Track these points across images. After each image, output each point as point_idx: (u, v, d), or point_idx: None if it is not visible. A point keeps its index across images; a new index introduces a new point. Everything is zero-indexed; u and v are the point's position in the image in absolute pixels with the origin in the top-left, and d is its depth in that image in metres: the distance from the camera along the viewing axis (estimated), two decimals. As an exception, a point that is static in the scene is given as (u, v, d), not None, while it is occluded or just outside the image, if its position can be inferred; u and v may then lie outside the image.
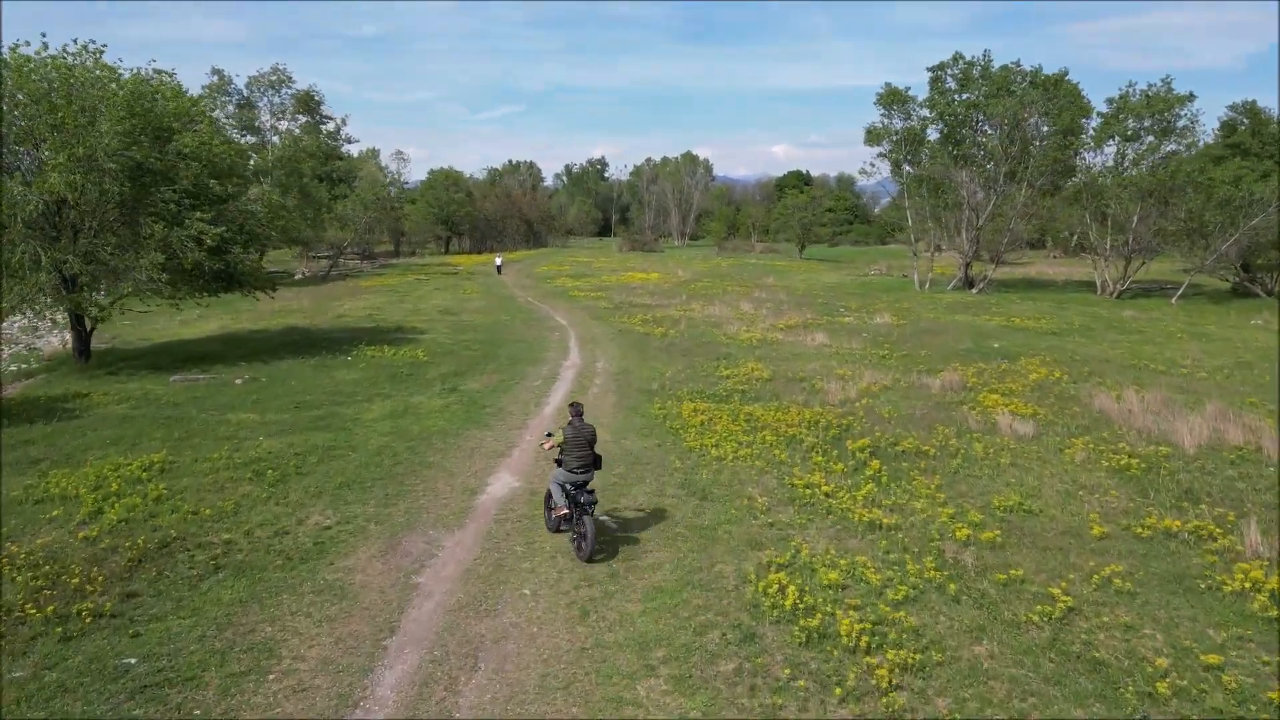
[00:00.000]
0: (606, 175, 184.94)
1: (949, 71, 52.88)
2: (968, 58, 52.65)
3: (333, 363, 23.26)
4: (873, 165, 58.98)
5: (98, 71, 20.82)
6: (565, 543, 10.43)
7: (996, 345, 27.75)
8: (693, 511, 11.74)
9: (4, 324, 19.83)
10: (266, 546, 10.20)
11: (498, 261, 59.00)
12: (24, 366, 23.99)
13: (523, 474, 13.32)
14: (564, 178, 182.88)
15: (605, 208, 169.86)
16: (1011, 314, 37.20)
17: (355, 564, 9.83)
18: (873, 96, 54.34)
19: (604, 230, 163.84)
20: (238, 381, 20.48)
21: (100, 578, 9.12)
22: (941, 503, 12.16)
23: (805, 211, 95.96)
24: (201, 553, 9.98)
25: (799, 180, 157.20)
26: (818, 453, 14.65)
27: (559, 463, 10.05)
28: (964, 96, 52.00)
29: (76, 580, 9.00)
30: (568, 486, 9.93)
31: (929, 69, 53.21)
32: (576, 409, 10.30)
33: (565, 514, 9.92)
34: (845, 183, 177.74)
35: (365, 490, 12.36)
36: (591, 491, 9.96)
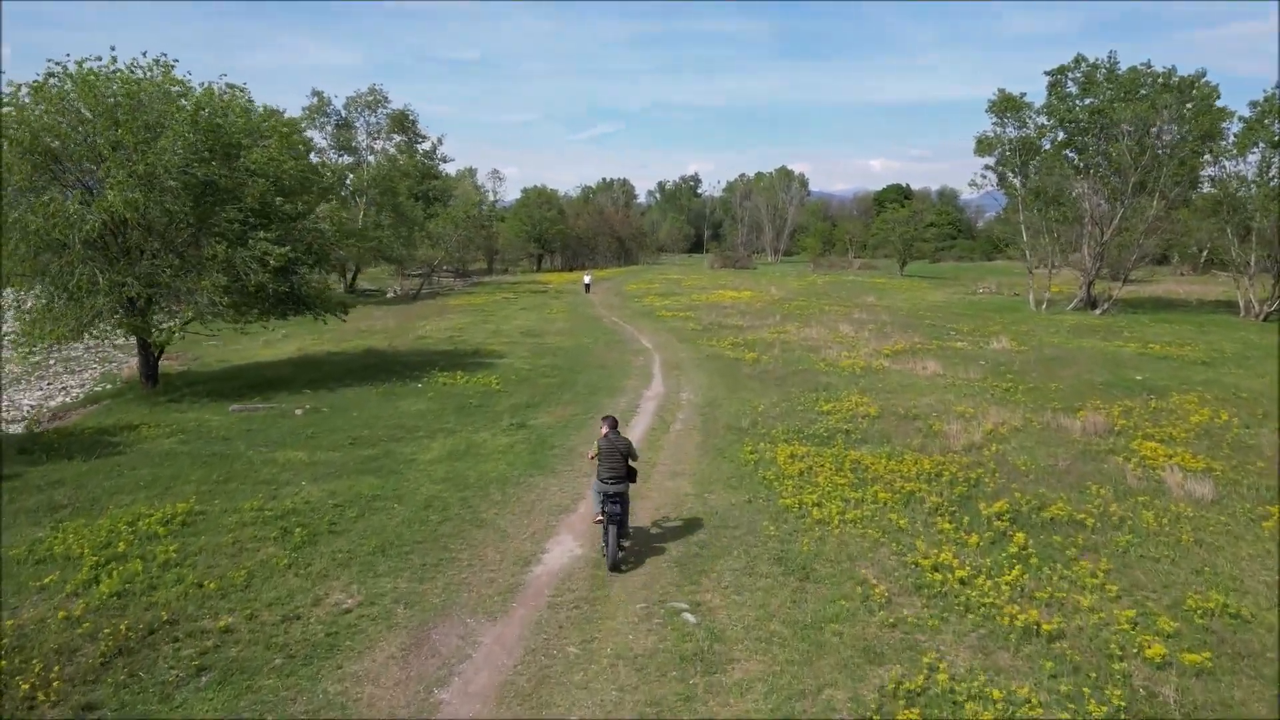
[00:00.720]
0: (699, 191, 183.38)
1: (1070, 75, 48.83)
2: (1090, 60, 48.52)
3: (401, 390, 21.82)
4: (983, 176, 55.14)
5: (168, 86, 20.01)
6: (627, 643, 8.33)
7: (1139, 377, 24.29)
8: (791, 598, 9.42)
9: (67, 348, 18.96)
10: (268, 638, 8.39)
11: (586, 280, 57.60)
12: (96, 389, 23.44)
13: (586, 536, 11.24)
14: (657, 194, 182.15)
15: (698, 224, 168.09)
16: (1147, 339, 33.26)
17: (368, 668, 7.91)
18: (979, 106, 50.70)
19: (696, 247, 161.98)
20: (298, 412, 19.17)
21: (59, 680, 7.45)
22: (1114, 597, 9.48)
23: (906, 226, 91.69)
24: (191, 644, 8.25)
25: (899, 194, 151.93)
26: (943, 517, 12.09)
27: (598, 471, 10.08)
28: (1087, 101, 47.79)
29: (29, 684, 7.34)
30: (600, 495, 9.98)
31: (1047, 72, 49.29)
32: (610, 421, 10.52)
33: (600, 520, 10.01)
34: (948, 196, 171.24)
35: (402, 557, 10.49)
36: (617, 501, 9.89)
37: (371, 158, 70.10)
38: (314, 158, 65.84)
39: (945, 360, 27.33)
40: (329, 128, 68.65)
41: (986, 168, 53.40)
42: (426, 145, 72.88)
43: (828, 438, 17.04)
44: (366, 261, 71.59)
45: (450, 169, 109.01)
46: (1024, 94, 50.39)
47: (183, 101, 19.98)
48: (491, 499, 12.94)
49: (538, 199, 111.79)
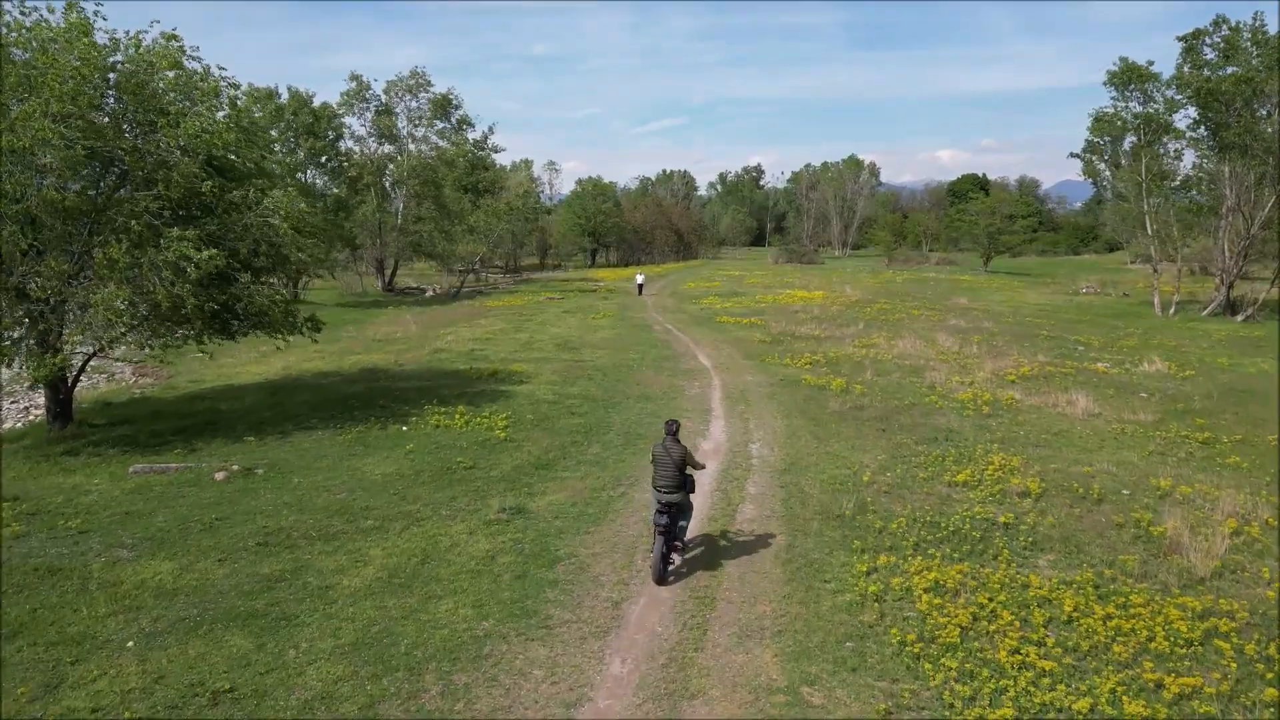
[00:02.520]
0: (762, 183, 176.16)
1: (1207, 40, 41.21)
2: (1233, 22, 40.87)
3: (377, 438, 16.39)
4: (1092, 159, 47.80)
5: (43, 33, 14.75)
6: None
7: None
8: None
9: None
10: None
11: (639, 280, 51.77)
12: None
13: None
14: (717, 186, 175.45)
15: (760, 217, 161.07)
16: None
17: None
18: (1056, 96, 43.78)
19: (758, 240, 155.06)
20: (219, 475, 13.84)
21: None
22: None
23: (991, 218, 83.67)
24: None
25: (975, 184, 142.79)
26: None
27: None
28: (1229, 70, 40.14)
29: None
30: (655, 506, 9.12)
31: (1180, 38, 41.72)
32: (671, 427, 9.53)
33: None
34: (1028, 186, 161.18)
35: None
36: (666, 512, 9.01)
37: (413, 146, 65.38)
38: (353, 146, 61.83)
39: (1093, 391, 20.90)
40: (368, 114, 63.97)
41: (1086, 151, 46.24)
42: (476, 134, 67.76)
43: (981, 541, 11.02)
44: (405, 257, 67.14)
45: (503, 159, 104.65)
46: (1151, 63, 42.89)
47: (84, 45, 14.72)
48: (422, 707, 7.27)
49: (593, 191, 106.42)
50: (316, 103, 53.40)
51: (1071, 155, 46.57)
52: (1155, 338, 32.22)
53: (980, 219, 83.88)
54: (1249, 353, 28.28)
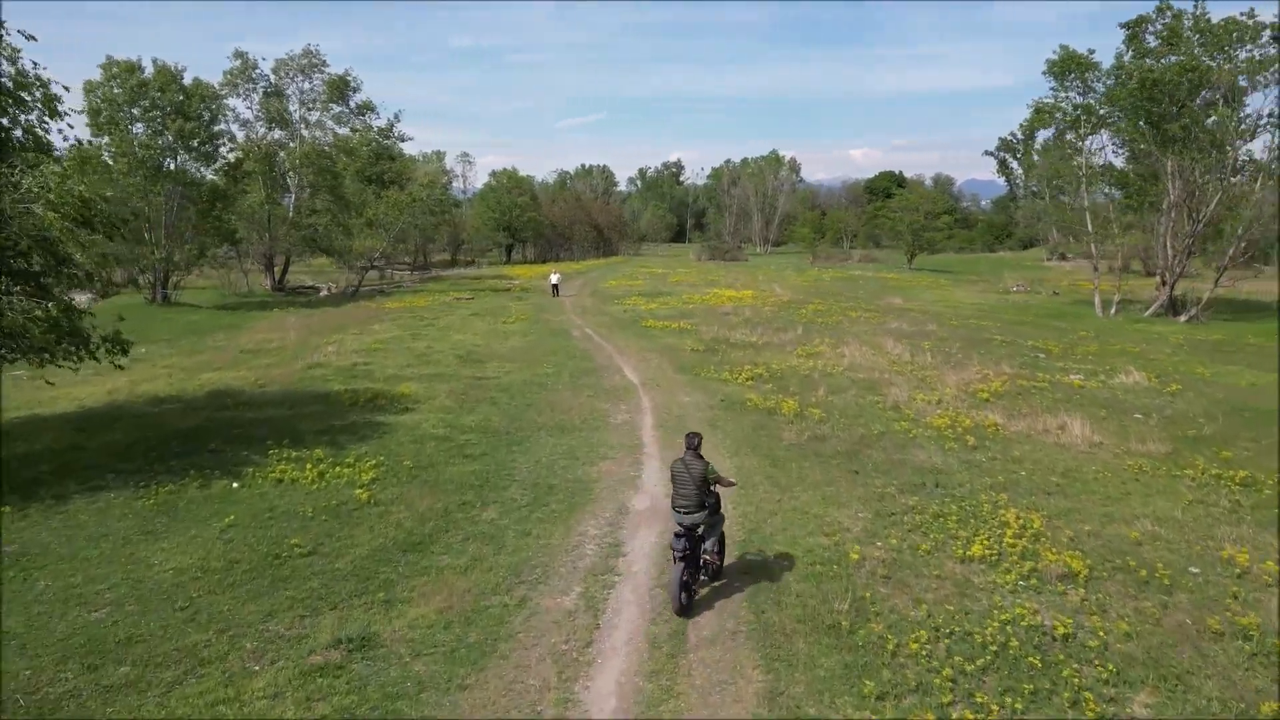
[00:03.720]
0: (682, 179, 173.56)
1: (1150, 28, 39.50)
2: (1174, 9, 39.30)
3: (193, 502, 12.03)
4: (1006, 157, 45.94)
5: None
6: None
7: None
8: None
9: None
10: None
11: (553, 279, 47.58)
12: None
13: None
14: (637, 182, 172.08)
15: (681, 213, 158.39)
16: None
17: None
18: (969, 97, 42.00)
19: (679, 236, 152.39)
20: (-77, 577, 9.31)
21: None
22: None
23: (915, 214, 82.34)
24: None
25: (892, 181, 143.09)
26: None
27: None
28: (1173, 59, 38.47)
29: None
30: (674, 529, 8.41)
31: (1123, 25, 39.92)
32: (692, 440, 8.63)
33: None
34: (944, 183, 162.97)
35: None
36: (685, 535, 8.19)
37: (306, 132, 59.65)
38: (238, 130, 55.73)
39: (1082, 412, 17.93)
40: (256, 96, 57.90)
41: (998, 150, 44.27)
42: (380, 121, 62.32)
43: (1044, 671, 7.55)
44: (299, 253, 61.44)
45: (416, 150, 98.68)
46: (1092, 51, 41.06)
47: None
48: None
49: (508, 184, 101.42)
50: (209, 83, 47.45)
51: (986, 153, 44.72)
52: (1113, 342, 29.91)
53: (904, 215, 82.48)
54: (1220, 359, 26.07)
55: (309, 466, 13.36)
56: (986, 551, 10.28)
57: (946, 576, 9.71)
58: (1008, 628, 8.42)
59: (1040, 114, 41.54)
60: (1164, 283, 39.59)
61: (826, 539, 10.80)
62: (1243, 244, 36.42)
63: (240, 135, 55.34)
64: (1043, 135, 47.76)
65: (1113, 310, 39.76)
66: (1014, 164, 76.83)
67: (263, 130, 57.69)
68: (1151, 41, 38.68)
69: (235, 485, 12.73)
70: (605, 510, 11.77)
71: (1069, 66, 40.65)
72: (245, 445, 14.85)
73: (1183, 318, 37.90)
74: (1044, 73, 41.19)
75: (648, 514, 11.59)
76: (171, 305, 42.84)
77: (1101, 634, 8.31)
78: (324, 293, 53.89)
